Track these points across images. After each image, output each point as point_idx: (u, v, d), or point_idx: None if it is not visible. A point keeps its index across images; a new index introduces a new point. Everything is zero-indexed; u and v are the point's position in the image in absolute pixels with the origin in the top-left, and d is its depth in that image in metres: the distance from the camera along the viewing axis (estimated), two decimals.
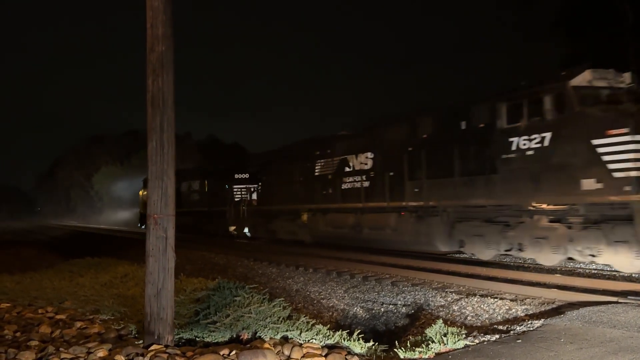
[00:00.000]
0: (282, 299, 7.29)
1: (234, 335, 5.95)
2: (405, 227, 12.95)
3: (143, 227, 35.53)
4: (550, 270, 10.01)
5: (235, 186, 23.36)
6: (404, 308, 8.58)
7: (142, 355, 4.87)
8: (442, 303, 8.28)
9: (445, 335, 5.40)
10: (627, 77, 9.52)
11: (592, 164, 8.73)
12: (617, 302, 6.64)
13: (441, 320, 6.05)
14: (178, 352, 4.94)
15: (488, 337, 5.44)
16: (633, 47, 19.23)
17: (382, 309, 8.78)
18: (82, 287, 10.07)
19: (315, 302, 9.89)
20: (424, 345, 5.24)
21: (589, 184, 8.78)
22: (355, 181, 14.77)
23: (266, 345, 5.20)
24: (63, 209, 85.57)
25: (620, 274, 9.45)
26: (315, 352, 5.15)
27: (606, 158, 8.56)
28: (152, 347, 5.04)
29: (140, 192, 37.40)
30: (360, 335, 5.97)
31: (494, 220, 10.74)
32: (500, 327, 6.22)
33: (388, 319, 8.46)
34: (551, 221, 9.69)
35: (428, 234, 12.25)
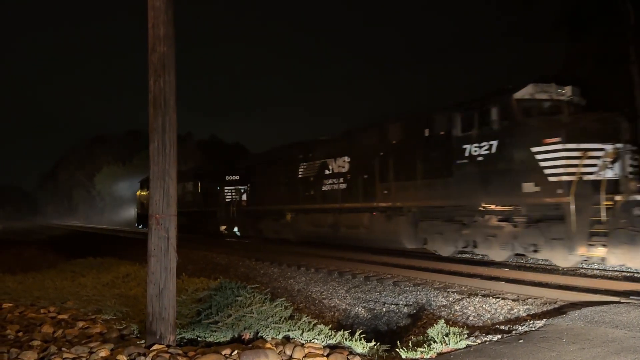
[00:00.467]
0: (284, 299, 7.30)
1: (236, 335, 5.95)
2: (377, 226, 13.82)
3: (140, 227, 36.64)
4: (552, 270, 10.03)
5: (226, 187, 24.09)
6: (405, 308, 8.58)
7: (144, 355, 4.88)
8: (444, 303, 8.28)
9: (447, 335, 5.40)
10: (568, 90, 10.26)
11: (531, 169, 9.56)
12: (619, 302, 6.63)
13: (443, 320, 6.04)
14: (180, 352, 4.95)
15: (490, 337, 5.43)
16: (634, 46, 19.21)
17: (384, 309, 8.78)
18: (84, 287, 10.09)
19: (317, 302, 9.89)
20: (425, 345, 5.24)
21: (528, 187, 9.64)
22: (333, 183, 15.67)
23: (268, 345, 5.20)
24: (65, 209, 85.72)
25: (623, 274, 9.45)
26: (317, 352, 5.15)
27: (543, 164, 9.38)
28: (154, 347, 5.05)
29: (138, 193, 37.93)
30: (362, 335, 5.97)
31: (451, 220, 11.58)
32: (502, 327, 6.22)
33: (390, 319, 8.46)
34: (500, 220, 10.51)
35: (396, 232, 13.10)
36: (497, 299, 7.82)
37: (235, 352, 4.89)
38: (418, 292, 9.01)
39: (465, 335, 5.41)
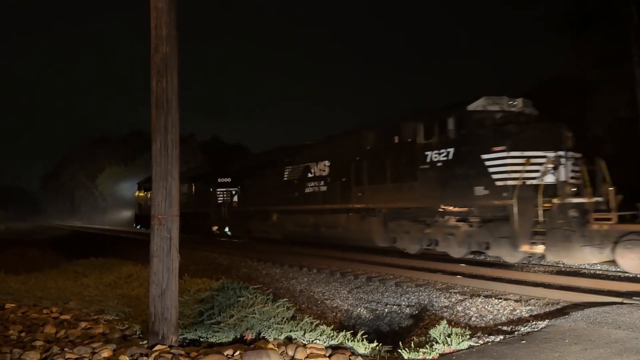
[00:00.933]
0: (286, 299, 7.30)
1: (238, 336, 5.96)
2: (352, 226, 14.83)
3: (138, 227, 37.49)
4: (555, 271, 10.02)
5: (218, 189, 24.94)
6: (407, 309, 8.57)
7: (147, 355, 4.88)
8: (446, 304, 8.27)
9: (449, 336, 5.39)
10: (519, 102, 11.20)
11: (481, 174, 10.51)
12: (622, 303, 6.61)
13: (445, 321, 6.04)
14: (182, 352, 4.95)
15: (492, 337, 5.42)
16: (638, 45, 19.18)
17: (386, 310, 8.77)
18: (86, 287, 10.10)
19: (319, 302, 9.89)
20: (428, 346, 5.23)
21: (479, 190, 10.59)
22: (315, 186, 16.63)
23: (270, 345, 5.20)
24: (67, 209, 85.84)
25: (625, 274, 9.43)
26: (319, 352, 5.15)
27: (491, 170, 10.35)
28: (157, 348, 5.05)
29: (136, 194, 38.97)
30: (364, 336, 5.96)
31: (417, 220, 12.54)
32: (505, 328, 6.21)
33: (392, 320, 8.45)
34: (457, 221, 11.41)
35: (369, 232, 14.11)
36: (500, 300, 7.81)
37: (238, 352, 4.89)
38: (420, 293, 9.00)
39: (468, 336, 5.41)
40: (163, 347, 5.09)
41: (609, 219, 9.22)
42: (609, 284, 8.36)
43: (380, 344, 5.87)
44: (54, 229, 49.36)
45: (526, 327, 5.82)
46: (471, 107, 11.07)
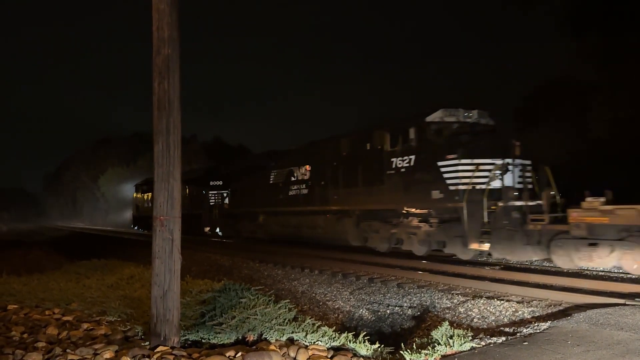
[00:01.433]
0: (288, 300, 7.30)
1: (240, 337, 5.96)
2: (330, 226, 15.93)
3: (136, 228, 39.11)
4: (557, 272, 10.01)
5: (210, 192, 26.09)
6: (409, 310, 8.56)
7: (148, 356, 4.89)
8: (448, 305, 8.26)
9: (451, 337, 5.39)
10: (474, 113, 12.24)
11: (437, 179, 11.46)
12: (624, 304, 6.59)
13: (447, 323, 6.03)
14: (184, 353, 4.96)
15: (494, 339, 5.42)
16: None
17: (388, 311, 8.77)
18: (88, 288, 10.10)
19: (320, 304, 9.89)
20: (430, 348, 5.22)
21: (436, 194, 11.57)
22: (298, 189, 17.60)
23: (272, 347, 5.20)
24: (69, 210, 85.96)
25: (628, 275, 9.41)
26: (321, 354, 5.15)
27: (445, 175, 11.30)
28: (158, 349, 5.06)
29: (134, 195, 40.64)
30: (366, 337, 5.96)
31: (384, 221, 13.56)
32: (507, 330, 6.20)
33: (394, 321, 8.44)
34: (419, 221, 12.42)
35: (344, 232, 15.18)
36: (502, 301, 7.80)
37: (239, 354, 4.89)
38: (422, 294, 8.99)
39: (470, 338, 5.40)
40: (165, 348, 5.09)
41: (542, 220, 10.04)
42: (611, 285, 8.33)
43: (382, 346, 5.87)
44: (56, 230, 49.43)
45: (528, 329, 5.81)
46: (429, 118, 12.14)
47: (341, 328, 7.97)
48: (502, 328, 6.51)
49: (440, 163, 11.42)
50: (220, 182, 25.57)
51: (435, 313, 8.16)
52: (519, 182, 11.05)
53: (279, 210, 18.92)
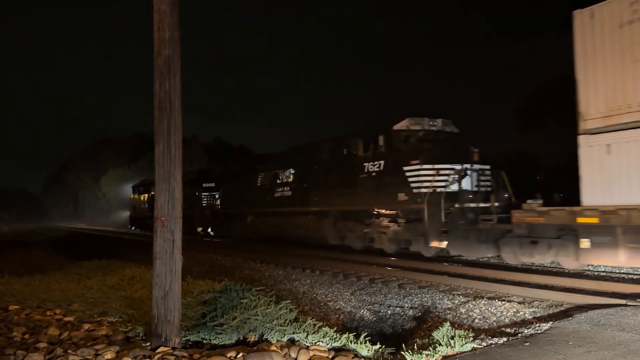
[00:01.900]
0: (289, 301, 7.30)
1: (241, 338, 5.96)
2: (311, 226, 16.88)
3: (133, 228, 40.58)
4: (559, 273, 10.01)
5: (203, 193, 27.05)
6: (410, 311, 8.55)
7: (149, 357, 4.89)
8: (450, 306, 8.25)
9: (452, 338, 5.39)
10: (438, 122, 13.31)
11: (403, 183, 12.47)
12: (625, 305, 6.59)
13: (448, 323, 6.03)
14: (185, 354, 4.96)
15: (496, 340, 5.41)
16: None
17: (389, 312, 8.76)
18: (89, 289, 10.12)
19: (321, 304, 9.88)
20: (431, 348, 5.22)
21: (402, 196, 12.59)
22: (283, 191, 18.64)
23: (273, 347, 5.20)
24: (71, 211, 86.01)
25: (630, 276, 9.40)
26: (322, 354, 5.15)
27: (410, 179, 12.31)
28: (159, 350, 5.06)
29: (131, 196, 42.44)
30: (367, 338, 5.96)
31: (358, 221, 14.55)
32: (508, 330, 6.19)
33: (395, 322, 8.44)
34: (389, 221, 13.35)
35: (323, 231, 16.14)
36: (503, 302, 7.79)
37: (240, 354, 4.89)
38: (423, 295, 8.99)
39: (471, 338, 5.39)
40: (166, 349, 5.09)
41: (491, 220, 10.89)
42: (612, 285, 8.32)
43: (383, 346, 5.87)
44: (58, 231, 49.47)
45: (530, 329, 5.80)
46: (397, 126, 13.17)
47: (342, 329, 7.96)
48: (503, 329, 6.50)
49: (405, 168, 12.42)
50: (213, 184, 26.49)
51: (437, 314, 8.15)
52: (476, 186, 12.06)
53: (265, 211, 19.87)
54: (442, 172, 11.89)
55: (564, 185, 12.22)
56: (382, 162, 13.36)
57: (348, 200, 14.68)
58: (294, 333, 5.98)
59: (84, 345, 5.42)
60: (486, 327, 7.11)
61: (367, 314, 8.98)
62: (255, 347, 5.38)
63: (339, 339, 5.89)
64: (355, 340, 5.86)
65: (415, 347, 5.49)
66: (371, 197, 13.63)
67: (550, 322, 5.93)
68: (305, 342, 5.75)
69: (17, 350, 5.16)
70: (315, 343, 5.72)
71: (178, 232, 5.40)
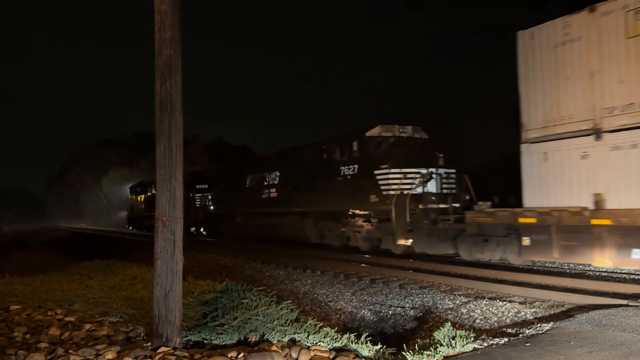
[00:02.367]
0: (290, 301, 7.31)
1: (242, 338, 5.96)
2: (294, 226, 17.79)
3: (130, 228, 41.58)
4: (560, 273, 10.01)
5: (196, 195, 27.74)
6: (411, 311, 8.55)
7: (150, 357, 4.89)
8: (451, 306, 8.24)
9: (453, 338, 5.38)
10: (408, 129, 14.29)
11: (374, 186, 13.31)
12: (627, 305, 6.58)
13: (449, 323, 6.02)
14: (186, 354, 4.96)
15: (497, 340, 5.40)
16: None
17: (390, 312, 8.76)
18: (90, 289, 10.12)
19: (322, 304, 9.88)
20: (432, 349, 5.22)
21: (373, 198, 13.40)
22: (269, 192, 19.57)
23: (274, 347, 5.20)
24: (72, 211, 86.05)
25: (631, 276, 9.39)
26: (323, 354, 5.15)
27: (380, 182, 13.15)
28: (160, 350, 5.06)
29: (128, 197, 43.49)
30: (368, 338, 5.96)
31: (336, 220, 15.42)
32: (509, 331, 6.18)
33: (396, 322, 8.43)
34: (363, 221, 14.20)
35: (305, 231, 17.06)
36: (504, 302, 7.78)
37: (241, 354, 4.89)
38: (424, 295, 8.98)
39: (472, 339, 5.39)
40: (167, 349, 5.09)
41: (449, 220, 11.59)
42: (614, 286, 8.31)
43: (384, 346, 5.86)
44: (59, 231, 49.51)
45: (531, 330, 5.79)
46: (369, 133, 14.07)
47: (343, 329, 7.97)
48: (504, 329, 6.49)
49: (376, 171, 13.28)
50: (206, 186, 27.37)
51: (437, 314, 8.14)
52: (441, 188, 12.87)
53: (253, 211, 20.88)
54: (408, 175, 12.72)
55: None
56: (356, 166, 14.30)
57: (327, 201, 15.59)
58: (295, 333, 5.98)
59: (85, 345, 5.42)
60: (487, 327, 7.10)
61: (368, 314, 8.97)
62: (256, 347, 5.38)
63: (340, 339, 5.89)
64: (356, 341, 5.86)
65: (416, 347, 5.48)
66: (347, 198, 14.53)
67: (552, 323, 5.92)
68: (306, 342, 5.75)
69: (18, 350, 5.17)
70: (316, 343, 5.72)
71: (179, 232, 5.40)
